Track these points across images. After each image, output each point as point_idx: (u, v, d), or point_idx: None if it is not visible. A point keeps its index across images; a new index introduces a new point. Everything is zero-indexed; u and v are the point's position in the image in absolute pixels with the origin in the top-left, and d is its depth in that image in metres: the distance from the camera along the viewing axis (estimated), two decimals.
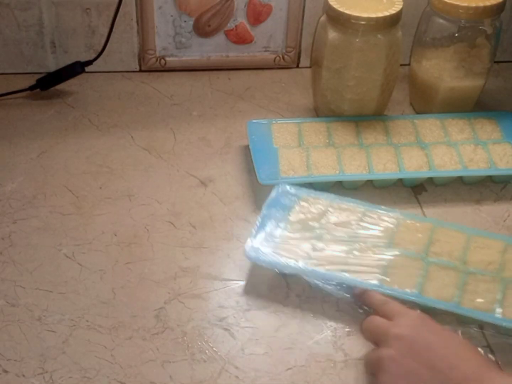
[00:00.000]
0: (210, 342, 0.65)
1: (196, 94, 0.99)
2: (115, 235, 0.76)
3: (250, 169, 0.85)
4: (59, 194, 0.81)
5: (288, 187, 0.78)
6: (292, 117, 0.94)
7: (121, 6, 0.94)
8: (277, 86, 1.01)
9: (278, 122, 0.88)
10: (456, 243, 0.72)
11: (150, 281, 0.71)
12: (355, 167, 0.82)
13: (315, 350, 0.65)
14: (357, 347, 0.65)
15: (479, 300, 0.66)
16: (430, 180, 0.84)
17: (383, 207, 0.76)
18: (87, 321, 0.67)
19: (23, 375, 0.62)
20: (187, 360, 0.64)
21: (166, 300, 0.69)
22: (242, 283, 0.71)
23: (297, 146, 0.85)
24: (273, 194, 0.77)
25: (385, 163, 0.83)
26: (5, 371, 0.62)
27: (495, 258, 0.70)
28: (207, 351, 0.64)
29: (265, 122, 0.88)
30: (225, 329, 0.66)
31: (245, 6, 0.98)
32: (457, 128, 0.88)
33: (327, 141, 0.86)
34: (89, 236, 0.76)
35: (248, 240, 0.71)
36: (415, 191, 0.84)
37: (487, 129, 0.89)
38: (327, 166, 0.82)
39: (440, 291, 0.67)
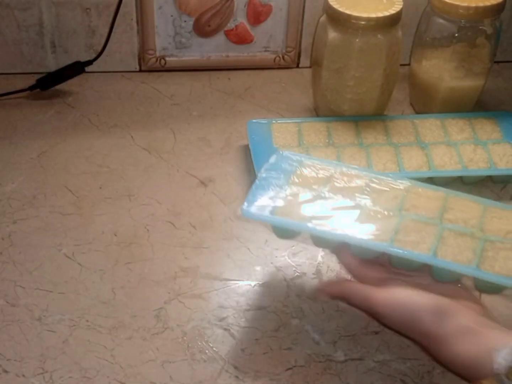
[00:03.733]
0: (210, 342, 0.65)
1: (196, 94, 0.99)
2: (115, 235, 0.76)
3: (250, 169, 0.85)
4: (59, 194, 0.81)
5: (289, 153, 0.72)
6: (292, 117, 0.94)
7: (121, 6, 0.94)
8: (277, 86, 1.01)
9: (278, 122, 0.88)
10: (472, 212, 0.66)
11: (150, 281, 0.71)
12: None
13: (315, 350, 0.65)
14: (357, 347, 0.65)
15: (499, 266, 0.61)
16: (430, 180, 0.84)
17: (391, 175, 0.71)
18: (87, 321, 0.66)
19: (23, 375, 0.62)
20: (187, 360, 0.64)
21: (166, 300, 0.69)
22: (242, 283, 0.71)
23: (297, 146, 0.85)
24: (272, 160, 0.71)
25: (385, 163, 0.83)
26: (5, 371, 0.62)
27: None
28: (207, 351, 0.64)
29: (265, 122, 0.88)
30: (225, 329, 0.66)
31: (245, 6, 0.98)
32: (457, 128, 0.88)
33: (327, 141, 0.86)
34: (89, 236, 0.76)
35: (246, 197, 0.66)
36: None
37: (487, 129, 0.89)
38: None
39: (457, 256, 0.62)
